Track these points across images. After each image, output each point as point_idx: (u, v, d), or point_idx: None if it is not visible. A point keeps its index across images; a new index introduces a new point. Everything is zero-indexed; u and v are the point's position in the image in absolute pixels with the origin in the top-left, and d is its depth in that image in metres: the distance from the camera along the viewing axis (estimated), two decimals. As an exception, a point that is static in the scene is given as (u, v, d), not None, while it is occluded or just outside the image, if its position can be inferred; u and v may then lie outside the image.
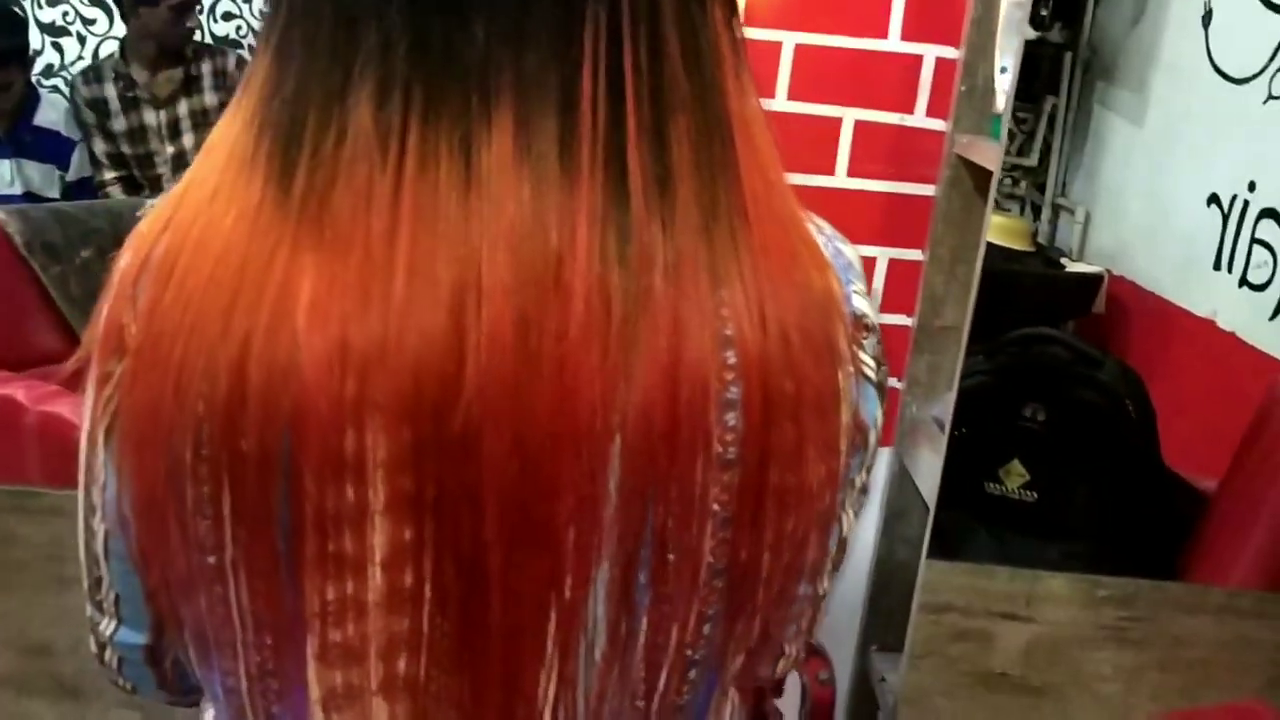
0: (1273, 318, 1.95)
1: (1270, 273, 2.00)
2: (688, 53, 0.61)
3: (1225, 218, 2.09)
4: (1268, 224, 2.02)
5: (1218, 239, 2.10)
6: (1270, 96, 2.36)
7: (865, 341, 0.69)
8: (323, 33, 0.61)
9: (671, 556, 0.63)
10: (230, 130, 0.64)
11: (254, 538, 0.62)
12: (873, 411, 0.71)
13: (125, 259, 0.66)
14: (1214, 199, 2.13)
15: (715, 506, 0.63)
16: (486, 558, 0.60)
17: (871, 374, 0.70)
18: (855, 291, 0.69)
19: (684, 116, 0.61)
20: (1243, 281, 2.03)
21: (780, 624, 0.71)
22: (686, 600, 0.65)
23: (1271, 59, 2.42)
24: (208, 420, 0.60)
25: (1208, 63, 2.20)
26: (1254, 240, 2.04)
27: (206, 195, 0.63)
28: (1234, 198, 2.10)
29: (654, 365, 0.59)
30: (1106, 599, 1.68)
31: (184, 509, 0.62)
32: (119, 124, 2.05)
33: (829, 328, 0.65)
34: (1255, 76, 2.21)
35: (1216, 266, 2.08)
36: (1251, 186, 2.07)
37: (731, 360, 0.61)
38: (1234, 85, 2.20)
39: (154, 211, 0.67)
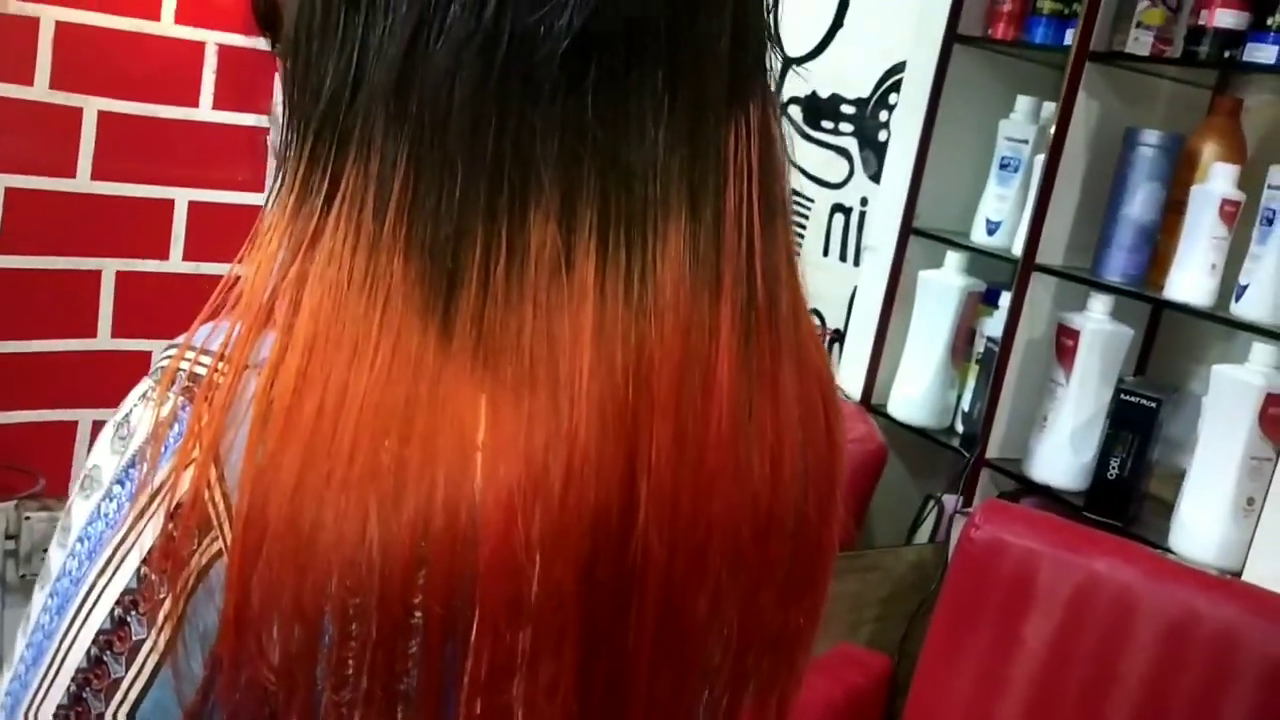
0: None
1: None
2: (780, 151, 0.63)
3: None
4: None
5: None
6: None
7: None
8: (485, 142, 0.54)
9: (753, 630, 0.65)
10: (335, 254, 0.54)
11: (408, 711, 0.55)
12: None
13: (184, 412, 0.54)
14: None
15: (780, 575, 0.66)
16: (634, 677, 0.59)
17: None
18: None
19: (781, 215, 0.63)
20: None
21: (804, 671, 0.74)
22: (756, 668, 0.67)
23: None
24: (367, 592, 0.52)
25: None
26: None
27: (321, 332, 0.53)
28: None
29: (763, 458, 0.61)
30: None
31: (309, 697, 0.54)
32: None
33: (835, 387, 0.70)
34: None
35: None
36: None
37: (800, 437, 0.64)
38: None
39: (221, 350, 0.55)
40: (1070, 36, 2.02)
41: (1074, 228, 2.04)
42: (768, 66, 0.62)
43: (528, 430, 0.53)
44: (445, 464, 0.52)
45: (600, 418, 0.54)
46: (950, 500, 2.06)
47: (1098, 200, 2.00)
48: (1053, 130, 2.00)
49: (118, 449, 0.56)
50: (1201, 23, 1.82)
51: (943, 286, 2.19)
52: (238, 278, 0.59)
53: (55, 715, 0.57)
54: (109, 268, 1.95)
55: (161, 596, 0.54)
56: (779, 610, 0.67)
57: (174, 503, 0.53)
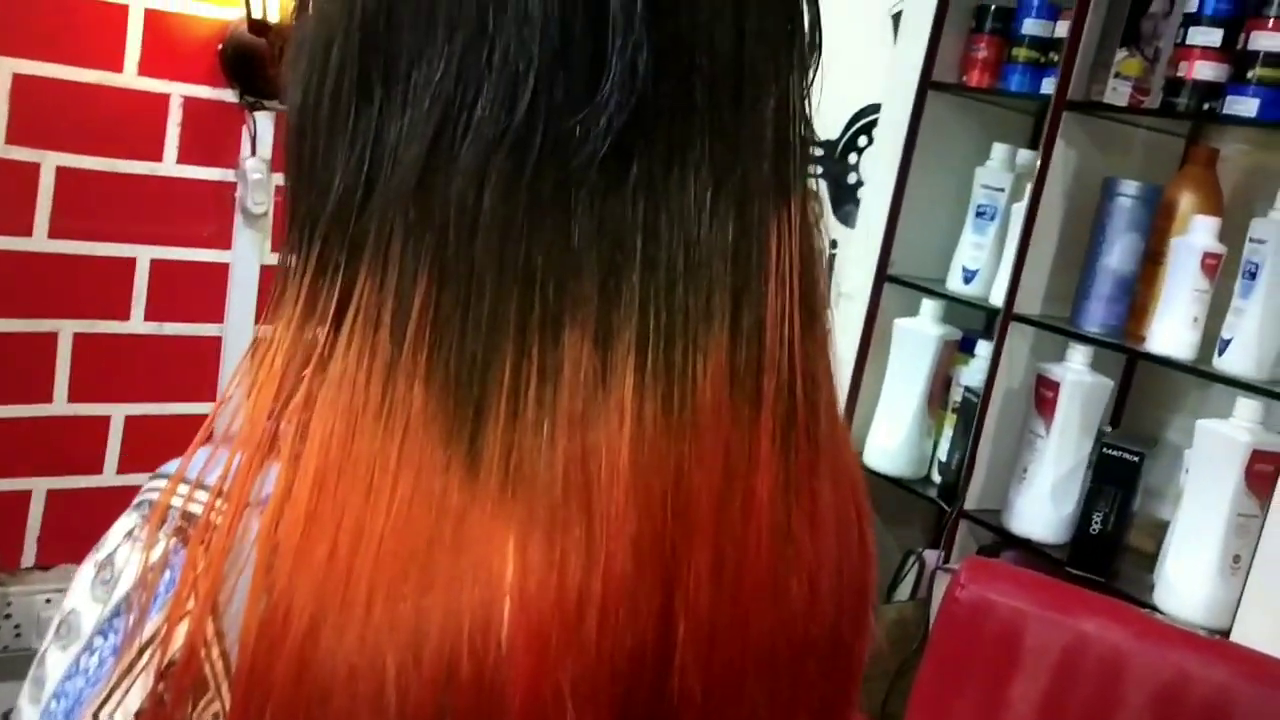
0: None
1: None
2: (819, 244, 0.59)
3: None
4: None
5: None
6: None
7: None
8: (516, 253, 0.49)
9: None
10: (348, 377, 0.49)
11: None
12: None
13: (177, 556, 0.49)
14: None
15: (814, 697, 0.62)
16: None
17: None
18: None
19: (820, 315, 0.60)
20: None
21: None
22: None
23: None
24: None
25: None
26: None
27: (332, 466, 0.48)
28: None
29: (801, 579, 0.58)
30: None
31: None
32: None
33: (866, 491, 0.67)
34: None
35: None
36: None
37: (836, 552, 0.61)
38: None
39: (219, 485, 0.50)
40: (1045, 85, 2.01)
41: (1051, 277, 2.02)
42: (809, 155, 0.58)
43: (560, 572, 0.48)
44: (471, 613, 0.47)
45: (637, 553, 0.50)
46: (931, 556, 2.03)
47: (1074, 249, 1.99)
48: (1030, 179, 1.98)
49: (100, 595, 0.51)
50: (1180, 74, 1.82)
51: (919, 335, 2.17)
52: (237, 400, 0.54)
53: None
54: (66, 329, 1.87)
55: None
56: None
57: (165, 660, 0.48)
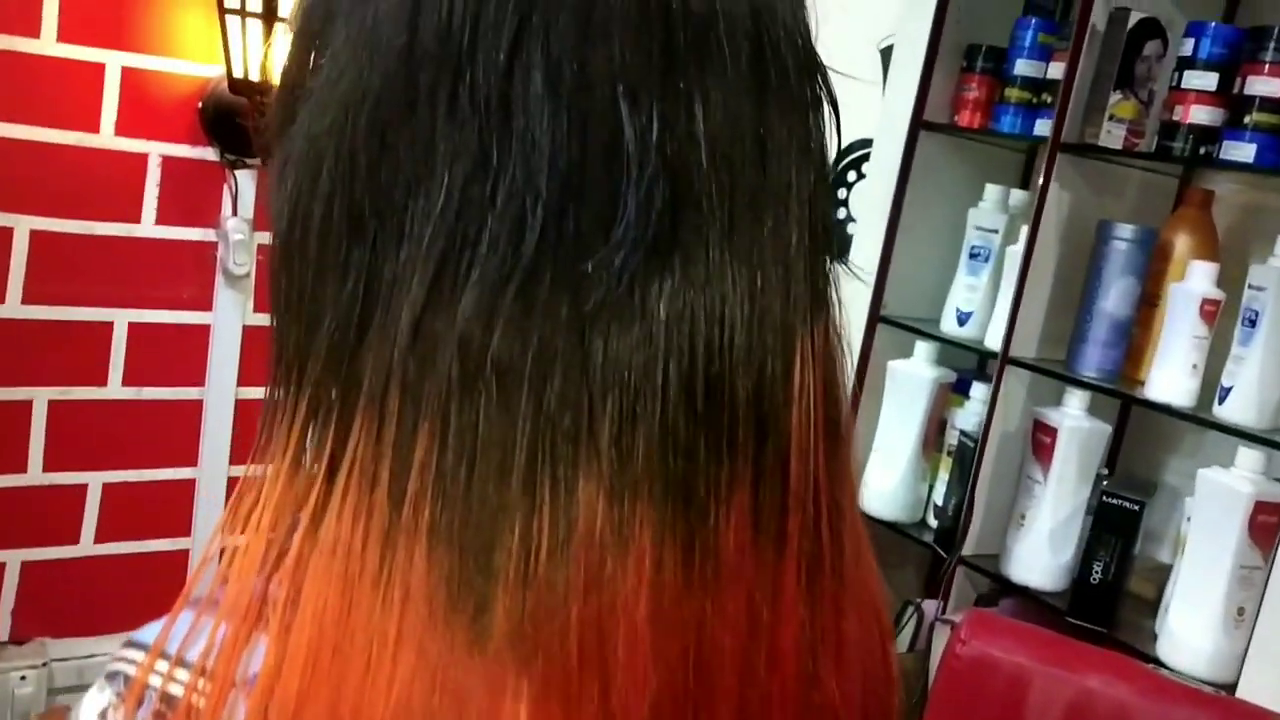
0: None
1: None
2: (842, 369, 0.56)
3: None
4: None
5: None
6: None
7: None
8: (525, 403, 0.45)
9: None
10: (341, 541, 0.46)
11: None
12: None
13: None
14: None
15: None
16: None
17: None
18: None
19: (844, 440, 0.56)
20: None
21: None
22: None
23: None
24: None
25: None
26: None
27: (326, 641, 0.45)
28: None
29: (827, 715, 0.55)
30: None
31: None
32: None
33: (889, 613, 0.65)
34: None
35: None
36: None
37: (861, 688, 0.58)
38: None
39: (201, 662, 0.46)
40: (1038, 126, 1.99)
41: (1046, 320, 2.00)
42: (835, 275, 0.55)
43: None
44: None
45: (656, 719, 0.46)
46: (930, 606, 2.00)
47: (1069, 292, 1.96)
48: (1024, 220, 1.96)
49: None
50: (1175, 118, 1.79)
51: (913, 378, 2.14)
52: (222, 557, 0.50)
53: None
54: (41, 397, 1.84)
55: None
56: None
57: None
